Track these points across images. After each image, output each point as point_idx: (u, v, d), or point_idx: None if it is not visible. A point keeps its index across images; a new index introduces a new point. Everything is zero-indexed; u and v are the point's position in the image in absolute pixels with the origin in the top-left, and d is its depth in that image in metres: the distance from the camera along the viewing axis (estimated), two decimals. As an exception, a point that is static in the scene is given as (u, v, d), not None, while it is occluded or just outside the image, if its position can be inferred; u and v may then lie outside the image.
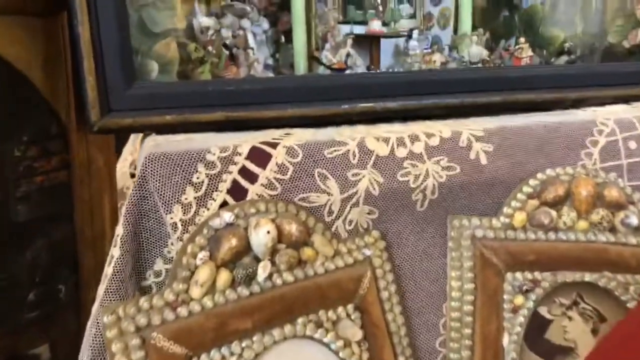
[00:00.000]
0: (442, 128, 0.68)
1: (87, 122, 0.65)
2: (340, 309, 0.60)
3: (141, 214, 0.59)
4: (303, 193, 0.62)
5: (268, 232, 0.56)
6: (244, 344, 0.54)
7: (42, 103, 0.68)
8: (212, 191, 0.59)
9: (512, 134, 0.69)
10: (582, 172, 0.68)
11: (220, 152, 0.60)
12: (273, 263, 0.57)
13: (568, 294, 0.67)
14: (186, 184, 0.59)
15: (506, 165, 0.69)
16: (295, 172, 0.62)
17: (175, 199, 0.58)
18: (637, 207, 0.68)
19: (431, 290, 0.69)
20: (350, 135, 0.65)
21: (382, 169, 0.64)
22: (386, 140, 0.65)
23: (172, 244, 0.60)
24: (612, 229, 0.67)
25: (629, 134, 0.73)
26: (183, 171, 0.58)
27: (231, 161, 0.60)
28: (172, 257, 0.60)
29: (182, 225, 0.58)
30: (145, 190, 0.58)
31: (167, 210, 0.58)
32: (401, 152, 0.65)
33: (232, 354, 0.53)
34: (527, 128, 0.71)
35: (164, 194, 0.58)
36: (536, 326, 0.66)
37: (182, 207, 0.58)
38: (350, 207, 0.64)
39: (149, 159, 0.58)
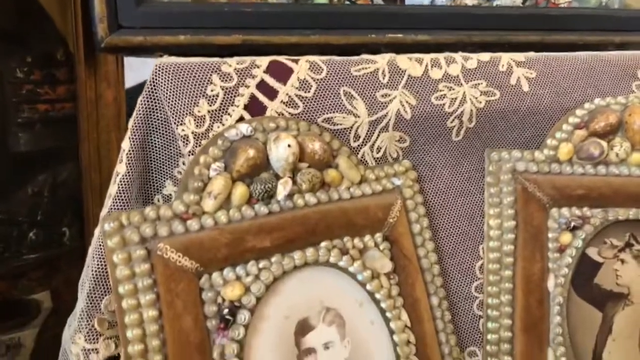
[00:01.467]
0: (480, 54, 0.62)
1: (95, 40, 0.60)
2: (367, 237, 0.54)
3: (150, 128, 0.54)
4: (327, 113, 0.56)
5: (289, 145, 0.50)
6: (261, 265, 0.48)
7: (49, 24, 0.63)
8: (228, 105, 0.54)
9: (556, 61, 0.63)
10: (637, 101, 0.62)
11: (237, 64, 0.55)
12: (294, 182, 0.52)
13: (620, 235, 0.60)
14: (199, 96, 0.53)
15: (550, 94, 0.62)
16: (319, 90, 0.56)
17: (187, 110, 0.53)
18: (698, 139, 0.61)
19: (466, 230, 0.62)
20: (379, 56, 0.59)
21: (415, 90, 0.58)
22: (419, 61, 0.59)
23: (183, 163, 0.54)
24: (670, 163, 0.61)
25: (684, 67, 0.67)
26: (196, 82, 0.53)
27: (249, 74, 0.55)
28: (183, 179, 0.54)
29: (194, 138, 0.52)
30: (155, 101, 0.53)
31: (178, 122, 0.52)
32: (436, 74, 0.59)
33: (247, 274, 0.47)
34: (573, 56, 0.64)
35: (174, 104, 0.52)
36: (585, 270, 0.60)
37: (194, 120, 0.52)
38: (379, 131, 0.58)
39: (159, 68, 0.52)
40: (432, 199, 0.61)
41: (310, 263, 0.51)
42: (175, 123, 0.52)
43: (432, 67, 0.59)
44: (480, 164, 0.63)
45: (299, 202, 0.51)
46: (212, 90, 0.53)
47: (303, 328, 0.51)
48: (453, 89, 0.59)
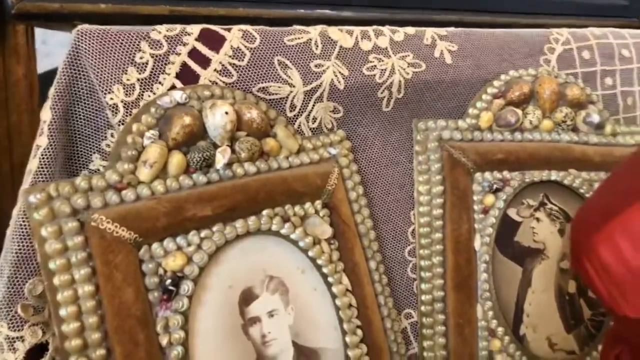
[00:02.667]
0: (406, 28, 0.65)
1: (4, 6, 0.55)
2: (307, 205, 0.54)
3: (73, 98, 0.50)
4: (262, 82, 0.56)
5: (226, 113, 0.49)
6: (202, 234, 0.47)
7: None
8: (159, 74, 0.52)
9: (474, 36, 0.67)
10: (545, 72, 0.67)
11: (167, 31, 0.53)
12: (233, 151, 0.51)
13: (536, 195, 0.66)
14: (128, 64, 0.51)
15: (470, 67, 0.66)
16: (253, 59, 0.56)
17: (115, 78, 0.50)
18: (597, 106, 0.68)
19: (398, 197, 0.65)
20: (311, 27, 0.60)
21: (347, 61, 0.60)
22: (350, 32, 0.61)
23: (112, 135, 0.51)
24: (575, 129, 0.67)
25: (582, 44, 0.74)
26: (124, 48, 0.50)
27: (180, 42, 0.53)
28: (112, 152, 0.51)
29: (124, 107, 0.50)
30: (78, 69, 0.49)
31: (105, 91, 0.49)
32: (366, 45, 0.61)
33: (189, 244, 0.46)
34: (489, 32, 0.69)
35: (101, 72, 0.49)
36: (506, 229, 0.64)
37: (123, 88, 0.50)
38: (315, 102, 0.59)
39: (82, 33, 0.49)
40: (365, 168, 0.63)
41: (252, 232, 0.50)
42: (102, 92, 0.49)
43: (362, 38, 0.61)
44: (409, 133, 0.65)
45: (239, 171, 0.51)
46: (141, 58, 0.51)
47: (247, 297, 0.50)
48: (382, 61, 0.61)
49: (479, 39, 0.67)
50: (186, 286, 0.45)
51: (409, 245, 0.64)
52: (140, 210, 0.44)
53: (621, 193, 0.40)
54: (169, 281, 0.44)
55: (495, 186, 0.63)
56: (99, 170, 0.52)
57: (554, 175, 0.65)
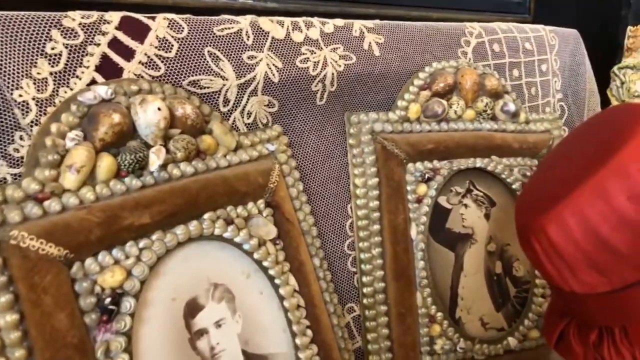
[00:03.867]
0: (335, 20, 0.64)
1: None
2: (250, 205, 0.52)
3: (-30, 96, 0.43)
4: (193, 75, 0.52)
5: (159, 109, 0.45)
6: (141, 244, 0.42)
7: None
8: (76, 66, 0.46)
9: (399, 28, 0.68)
10: (466, 64, 0.70)
11: (83, 18, 0.47)
12: (167, 151, 0.46)
13: (462, 182, 0.68)
14: (37, 55, 0.44)
15: (397, 59, 0.67)
16: (182, 50, 0.51)
17: (23, 72, 0.43)
18: (511, 96, 0.72)
19: (335, 191, 0.64)
20: (241, 17, 0.57)
21: (280, 52, 0.57)
22: (281, 23, 0.58)
23: (21, 138, 0.44)
24: (494, 117, 0.71)
25: (492, 37, 0.78)
26: (31, 37, 0.44)
27: (98, 30, 0.47)
28: (22, 157, 0.44)
29: (37, 105, 0.43)
30: (-25, 60, 0.42)
31: (12, 86, 0.43)
32: (297, 37, 0.59)
33: (127, 256, 0.41)
34: (412, 25, 0.70)
35: (5, 65, 0.42)
36: (438, 216, 0.66)
37: (34, 83, 0.43)
38: (249, 95, 0.56)
39: (-23, 19, 0.42)
40: (302, 163, 0.61)
41: (193, 238, 0.47)
42: (8, 87, 0.42)
43: (293, 30, 0.59)
44: (343, 127, 0.65)
45: (175, 173, 0.46)
46: (53, 49, 0.45)
47: (192, 309, 0.46)
48: (315, 53, 0.60)
49: (403, 31, 0.68)
50: (128, 303, 0.40)
51: (347, 239, 0.64)
52: (69, 223, 0.38)
53: (567, 175, 0.43)
54: (108, 300, 0.39)
55: (427, 175, 0.65)
56: (5, 179, 0.45)
57: (479, 163, 0.68)
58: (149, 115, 0.44)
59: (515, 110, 0.71)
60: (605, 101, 1.01)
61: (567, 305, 0.47)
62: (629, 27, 0.98)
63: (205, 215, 0.47)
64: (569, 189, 0.41)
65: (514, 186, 0.69)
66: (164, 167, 0.46)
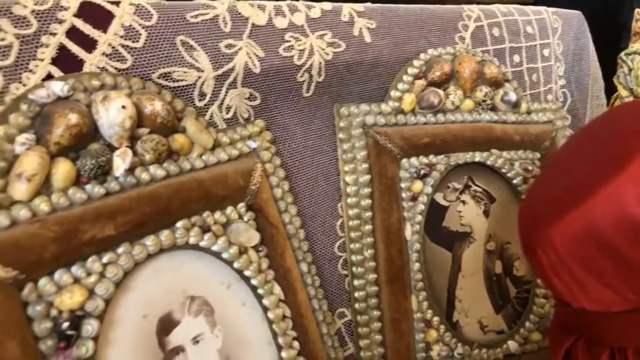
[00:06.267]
0: (322, 3, 0.59)
1: None
2: (229, 209, 0.47)
3: None
4: (164, 67, 0.47)
5: (123, 107, 0.40)
6: (105, 259, 0.38)
7: None
8: (28, 60, 0.41)
9: (391, 12, 0.63)
10: (464, 51, 0.65)
11: (35, 4, 0.42)
12: (134, 153, 0.42)
13: (460, 178, 0.64)
14: (-17, 47, 0.39)
15: (389, 45, 0.62)
16: (151, 39, 0.46)
17: (-35, 67, 0.38)
18: (512, 84, 0.68)
19: (324, 189, 0.60)
20: (218, 1, 0.51)
21: (261, 40, 0.52)
22: (262, 8, 0.53)
23: (-32, 141, 0.40)
24: (493, 108, 0.66)
25: (492, 20, 0.73)
26: (-25, 27, 0.39)
27: (54, 18, 0.42)
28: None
29: (-17, 105, 0.39)
30: None
31: (-46, 83, 0.38)
32: (281, 22, 0.54)
33: (89, 273, 0.37)
34: (405, 8, 0.65)
35: (-54, 59, 0.38)
36: (434, 215, 0.62)
37: (-20, 80, 0.39)
38: (227, 88, 0.51)
39: None
40: (288, 161, 0.57)
41: (166, 248, 0.42)
42: (-52, 85, 0.38)
43: (275, 15, 0.54)
44: (332, 120, 0.60)
45: (144, 177, 0.42)
46: (2, 40, 0.40)
47: (166, 325, 0.42)
48: (300, 40, 0.55)
49: (395, 15, 0.63)
50: (89, 326, 0.36)
51: (338, 240, 0.60)
52: (19, 239, 0.34)
53: (578, 180, 0.39)
54: (66, 324, 0.35)
55: (422, 172, 0.60)
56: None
57: (478, 157, 0.63)
58: (112, 114, 0.40)
59: (517, 99, 0.66)
60: (611, 88, 0.96)
61: (575, 322, 0.43)
62: (637, 10, 0.93)
63: (179, 224, 0.43)
64: (580, 196, 0.37)
65: (514, 181, 0.65)
66: (130, 171, 0.41)
